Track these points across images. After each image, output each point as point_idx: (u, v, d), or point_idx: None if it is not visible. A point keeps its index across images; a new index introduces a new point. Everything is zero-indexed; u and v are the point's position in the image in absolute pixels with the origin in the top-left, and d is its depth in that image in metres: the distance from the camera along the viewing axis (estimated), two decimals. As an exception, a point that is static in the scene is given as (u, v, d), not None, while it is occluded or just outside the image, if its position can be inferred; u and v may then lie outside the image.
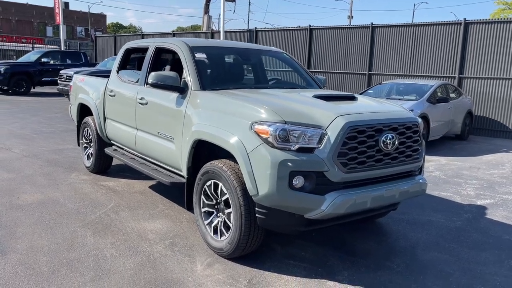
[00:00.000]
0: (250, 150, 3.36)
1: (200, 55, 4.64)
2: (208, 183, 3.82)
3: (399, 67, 14.39)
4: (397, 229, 4.69)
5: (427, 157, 8.85)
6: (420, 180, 3.88)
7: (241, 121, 3.50)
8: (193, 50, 4.60)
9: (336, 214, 3.30)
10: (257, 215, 3.42)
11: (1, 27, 58.45)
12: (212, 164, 3.73)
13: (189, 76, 4.34)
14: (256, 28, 18.28)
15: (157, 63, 5.20)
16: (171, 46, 4.81)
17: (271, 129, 3.27)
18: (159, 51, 5.14)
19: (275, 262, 3.73)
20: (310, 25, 16.43)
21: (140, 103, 4.93)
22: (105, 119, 5.94)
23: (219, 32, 18.80)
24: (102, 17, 69.76)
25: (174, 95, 4.37)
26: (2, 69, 17.47)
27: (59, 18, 26.99)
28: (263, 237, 3.64)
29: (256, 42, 18.07)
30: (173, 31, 21.81)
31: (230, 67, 5.20)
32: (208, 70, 4.73)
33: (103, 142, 6.13)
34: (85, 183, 5.91)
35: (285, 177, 3.20)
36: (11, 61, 21.97)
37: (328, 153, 3.25)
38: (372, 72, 14.99)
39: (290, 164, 3.21)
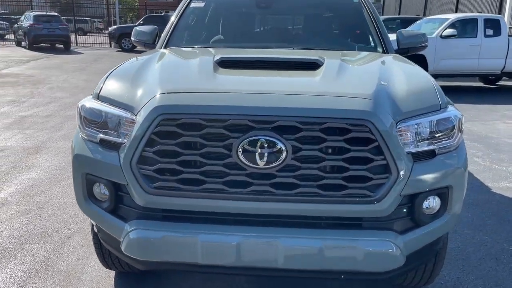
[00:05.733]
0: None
1: (198, 4, 3.58)
2: None
3: None
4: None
5: None
6: (372, 243, 1.85)
7: None
8: None
9: (135, 256, 1.99)
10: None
11: None
12: None
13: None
14: None
15: None
16: None
17: (79, 105, 2.22)
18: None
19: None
20: None
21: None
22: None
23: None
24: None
25: None
26: None
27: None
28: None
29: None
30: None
31: (234, 18, 3.76)
32: (195, 23, 3.62)
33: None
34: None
35: (81, 180, 2.14)
36: None
37: (126, 155, 1.94)
38: None
39: (84, 162, 2.11)
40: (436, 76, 10.92)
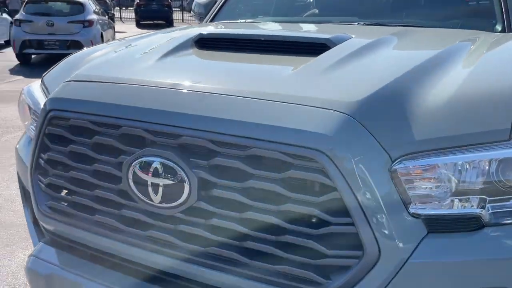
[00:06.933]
0: None
1: None
2: None
3: None
4: None
5: None
6: None
7: None
8: None
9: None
10: None
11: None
12: None
13: None
14: None
15: None
16: None
17: (25, 88, 1.94)
18: None
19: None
20: None
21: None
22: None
23: None
24: None
25: None
26: None
27: None
28: None
29: None
30: None
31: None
32: None
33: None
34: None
35: (18, 178, 1.88)
36: None
37: (30, 158, 1.51)
38: None
39: (17, 159, 1.84)
40: None
